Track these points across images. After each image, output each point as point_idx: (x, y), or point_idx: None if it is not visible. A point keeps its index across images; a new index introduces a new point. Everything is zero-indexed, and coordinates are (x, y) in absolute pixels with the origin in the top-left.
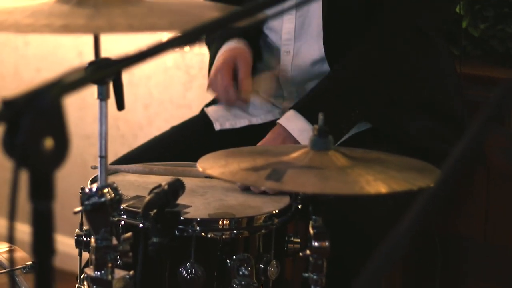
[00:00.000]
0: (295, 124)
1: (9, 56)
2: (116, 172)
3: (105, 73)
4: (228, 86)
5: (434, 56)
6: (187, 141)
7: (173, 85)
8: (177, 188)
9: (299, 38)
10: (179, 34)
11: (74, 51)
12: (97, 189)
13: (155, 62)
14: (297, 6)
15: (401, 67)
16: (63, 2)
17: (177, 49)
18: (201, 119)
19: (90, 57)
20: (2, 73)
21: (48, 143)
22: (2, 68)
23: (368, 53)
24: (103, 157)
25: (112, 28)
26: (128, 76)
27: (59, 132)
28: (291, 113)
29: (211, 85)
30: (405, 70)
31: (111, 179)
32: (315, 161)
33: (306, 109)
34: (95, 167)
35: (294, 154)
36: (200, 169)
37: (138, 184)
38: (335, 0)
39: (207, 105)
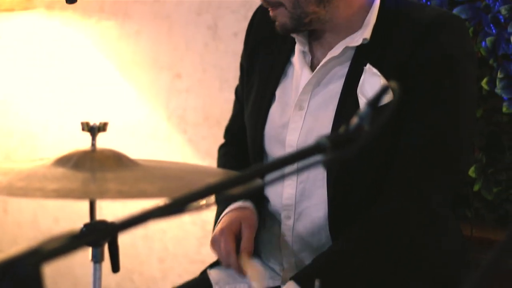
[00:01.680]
0: None
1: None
2: None
3: (99, 236)
4: (230, 251)
5: (443, 233)
6: None
7: (189, 239)
8: None
9: (300, 204)
10: (170, 201)
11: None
12: None
13: None
14: (298, 171)
15: (409, 247)
16: (60, 165)
17: (168, 217)
18: (202, 281)
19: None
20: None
21: None
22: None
23: (375, 230)
24: None
25: (102, 194)
26: (143, 230)
27: None
28: (291, 285)
29: (213, 246)
30: (412, 250)
31: None
32: None
33: (306, 281)
34: None
35: None
36: None
37: None
38: (342, 175)
39: (211, 266)
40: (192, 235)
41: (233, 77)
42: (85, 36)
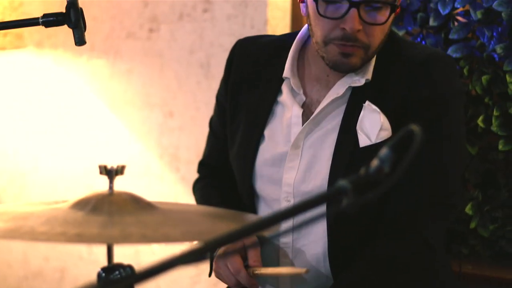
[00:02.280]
0: None
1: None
2: None
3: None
4: (239, 268)
5: (436, 266)
6: None
7: (182, 278)
8: None
9: (298, 241)
10: (187, 251)
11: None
12: None
13: (164, 253)
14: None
15: (404, 279)
16: (78, 208)
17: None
18: None
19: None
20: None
21: None
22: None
23: (376, 266)
24: None
25: (126, 238)
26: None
27: None
28: None
29: (219, 269)
30: (407, 281)
31: None
32: None
33: None
34: None
35: None
36: None
37: None
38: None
39: None
40: (185, 274)
41: None
42: (76, 75)
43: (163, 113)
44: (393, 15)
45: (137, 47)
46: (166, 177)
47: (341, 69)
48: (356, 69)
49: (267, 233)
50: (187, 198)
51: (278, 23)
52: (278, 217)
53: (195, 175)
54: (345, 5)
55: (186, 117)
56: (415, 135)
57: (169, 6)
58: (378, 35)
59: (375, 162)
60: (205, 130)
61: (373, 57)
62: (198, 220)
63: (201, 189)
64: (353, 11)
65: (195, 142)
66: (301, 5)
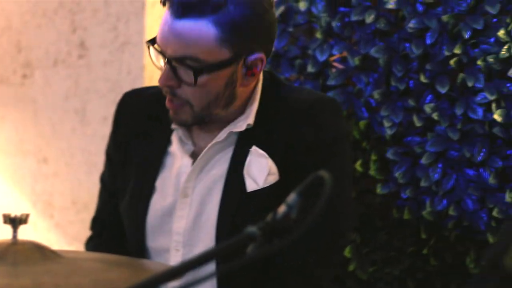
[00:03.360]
0: None
1: None
2: None
3: None
4: None
5: None
6: None
7: None
8: None
9: None
10: None
11: None
12: None
13: None
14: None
15: None
16: None
17: None
18: None
19: None
20: None
21: None
22: None
23: None
24: None
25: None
26: None
27: None
28: None
29: None
30: None
31: None
32: None
33: None
34: None
35: None
36: None
37: None
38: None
39: None
40: None
41: (102, 161)
42: None
43: (36, 160)
44: (206, 77)
45: (10, 93)
46: (40, 224)
47: (177, 124)
48: (190, 125)
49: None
50: (61, 245)
51: (155, 69)
52: (187, 265)
53: (69, 222)
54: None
55: (61, 164)
56: (324, 180)
57: (43, 52)
58: (197, 93)
59: (282, 208)
60: (80, 176)
61: (209, 115)
62: (105, 268)
63: (93, 249)
64: (166, 66)
65: (69, 188)
66: None
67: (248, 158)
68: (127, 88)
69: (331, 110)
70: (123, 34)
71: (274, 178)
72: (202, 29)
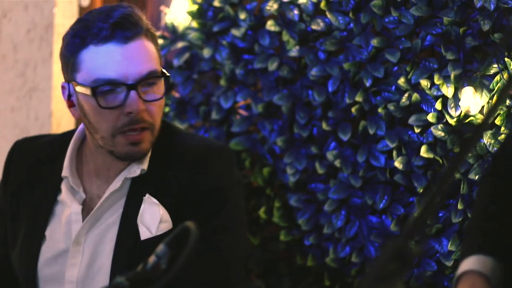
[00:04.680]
0: None
1: None
2: None
3: None
4: None
5: None
6: None
7: None
8: None
9: None
10: None
11: None
12: None
13: None
14: None
15: None
16: None
17: None
18: None
19: None
20: None
21: None
22: None
23: None
24: None
25: None
26: None
27: None
28: None
29: None
30: None
31: None
32: None
33: None
34: None
35: None
36: None
37: None
38: None
39: None
40: None
41: None
42: None
43: None
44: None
45: None
46: None
47: (134, 158)
48: (145, 155)
49: None
50: None
51: (62, 115)
52: None
53: None
54: (124, 91)
55: None
56: (190, 231)
57: None
58: (158, 112)
59: (152, 258)
60: None
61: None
62: None
63: None
64: (133, 93)
65: None
66: (71, 109)
67: (142, 206)
68: (35, 133)
69: (224, 158)
70: (31, 80)
71: (167, 226)
72: (147, 44)
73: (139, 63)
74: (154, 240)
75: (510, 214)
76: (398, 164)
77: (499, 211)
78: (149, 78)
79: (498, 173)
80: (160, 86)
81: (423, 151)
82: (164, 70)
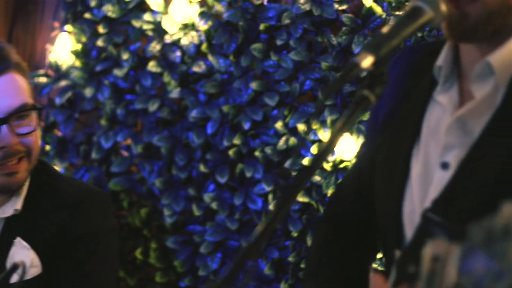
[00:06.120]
0: None
1: None
2: None
3: None
4: None
5: None
6: None
7: None
8: None
9: None
10: None
11: None
12: None
13: None
14: None
15: None
16: None
17: None
18: None
19: None
20: None
21: None
22: None
23: None
24: None
25: None
26: None
27: None
28: None
29: None
30: None
31: None
32: None
33: None
34: None
35: None
36: None
37: None
38: None
39: None
40: None
41: None
42: None
43: None
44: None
45: None
46: None
47: (10, 189)
48: (23, 184)
49: None
50: None
51: None
52: None
53: None
54: None
55: None
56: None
57: None
58: (35, 141)
59: None
60: None
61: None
62: None
63: None
64: (5, 127)
65: None
66: None
67: (12, 249)
68: None
69: (99, 204)
70: None
71: (36, 271)
72: (17, 78)
73: (10, 96)
74: (24, 285)
75: (342, 260)
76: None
77: (332, 257)
78: (21, 111)
79: (331, 218)
80: (33, 118)
81: (299, 195)
82: (35, 104)
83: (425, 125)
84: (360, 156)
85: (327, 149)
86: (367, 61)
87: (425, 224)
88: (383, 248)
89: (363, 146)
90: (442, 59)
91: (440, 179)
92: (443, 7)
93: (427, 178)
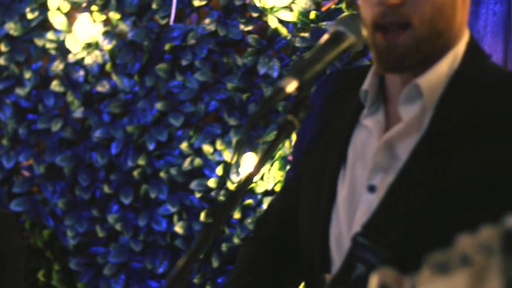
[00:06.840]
0: None
1: None
2: None
3: None
4: None
5: None
6: None
7: None
8: None
9: None
10: None
11: None
12: None
13: None
14: None
15: None
16: None
17: None
18: None
19: None
20: None
21: None
22: None
23: None
24: None
25: None
26: None
27: None
28: None
29: None
30: None
31: None
32: None
33: None
34: None
35: None
36: None
37: None
38: None
39: None
40: None
41: None
42: None
43: None
44: None
45: None
46: None
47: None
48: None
49: None
50: None
51: None
52: None
53: None
54: None
55: None
56: None
57: None
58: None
59: None
60: None
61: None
62: None
63: None
64: None
65: None
66: None
67: None
68: None
69: (5, 225)
70: None
71: None
72: None
73: None
74: None
75: (263, 277)
76: (178, 228)
77: (253, 272)
78: None
79: (259, 239)
80: None
81: (204, 216)
82: None
83: (351, 148)
84: (287, 179)
85: (252, 174)
86: (291, 86)
87: (355, 248)
88: (307, 272)
89: (290, 170)
90: (367, 83)
91: (367, 202)
92: (364, 32)
93: (353, 202)
